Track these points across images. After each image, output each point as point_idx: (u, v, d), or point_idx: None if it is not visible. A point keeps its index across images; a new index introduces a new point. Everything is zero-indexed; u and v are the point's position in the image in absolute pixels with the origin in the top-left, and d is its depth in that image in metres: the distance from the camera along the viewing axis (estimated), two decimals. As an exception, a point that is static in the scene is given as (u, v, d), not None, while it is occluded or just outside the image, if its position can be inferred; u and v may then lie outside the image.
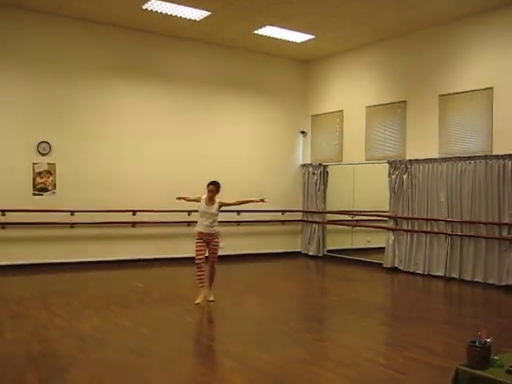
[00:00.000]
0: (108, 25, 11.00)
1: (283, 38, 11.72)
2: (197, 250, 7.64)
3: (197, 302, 7.48)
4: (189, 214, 11.46)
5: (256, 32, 11.33)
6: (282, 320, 6.96)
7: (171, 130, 11.86)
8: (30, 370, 4.75)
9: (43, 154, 10.49)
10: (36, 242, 10.39)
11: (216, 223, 7.76)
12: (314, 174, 13.25)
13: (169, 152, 11.76)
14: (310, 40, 11.77)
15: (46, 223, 10.38)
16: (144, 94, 11.59)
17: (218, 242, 7.83)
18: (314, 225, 13.19)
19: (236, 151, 12.68)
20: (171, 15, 10.36)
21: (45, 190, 10.48)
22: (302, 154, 13.80)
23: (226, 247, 12.23)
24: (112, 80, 11.21)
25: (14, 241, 10.16)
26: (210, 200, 7.77)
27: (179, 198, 8.09)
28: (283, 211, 13.20)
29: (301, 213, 13.60)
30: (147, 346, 5.51)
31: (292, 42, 11.93)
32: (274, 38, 11.67)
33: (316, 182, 13.15)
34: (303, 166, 13.68)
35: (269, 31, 11.27)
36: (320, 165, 13.12)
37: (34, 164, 10.40)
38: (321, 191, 13.10)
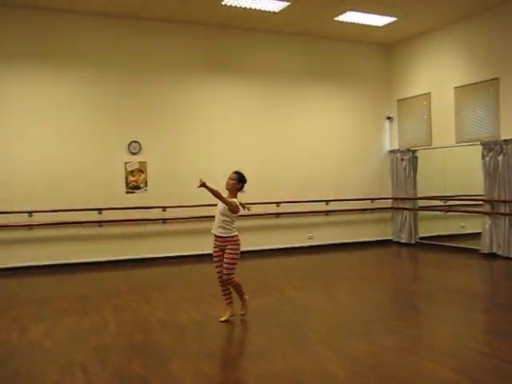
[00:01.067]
0: (188, 23, 11.17)
1: (365, 23, 11.46)
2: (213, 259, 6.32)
3: (221, 319, 6.16)
4: (277, 205, 11.55)
5: (336, 19, 11.15)
6: (377, 308, 6.84)
7: (257, 124, 11.92)
8: (134, 359, 4.92)
9: (134, 153, 10.84)
10: (131, 238, 10.77)
11: (227, 225, 6.12)
12: (402, 159, 12.92)
13: (256, 146, 11.84)
14: (392, 23, 11.45)
15: (139, 220, 10.73)
16: (228, 89, 11.70)
17: (234, 249, 6.08)
18: (405, 211, 12.86)
19: (322, 141, 12.57)
20: (250, 8, 10.39)
21: (137, 187, 10.83)
22: (389, 139, 13.48)
23: (314, 237, 12.28)
24: (198, 77, 11.40)
25: (111, 238, 10.58)
26: (229, 192, 6.35)
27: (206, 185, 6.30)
28: (372, 199, 12.97)
29: (390, 200, 13.31)
30: (244, 336, 5.58)
31: (374, 26, 11.64)
32: (355, 23, 11.44)
33: (405, 168, 12.82)
34: (391, 152, 13.36)
35: (350, 17, 11.05)
36: (408, 150, 12.77)
37: (125, 163, 10.77)
38: (410, 177, 12.75)
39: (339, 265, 10.60)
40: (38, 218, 9.98)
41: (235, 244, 6.08)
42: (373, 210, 13.06)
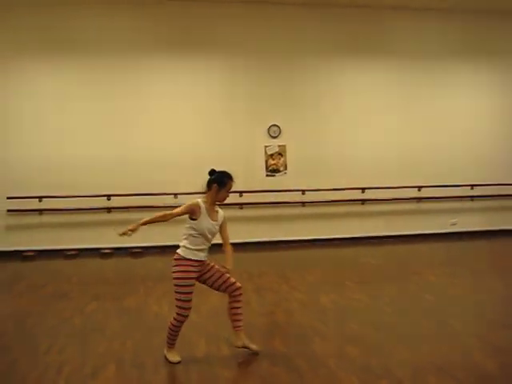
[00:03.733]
0: (332, 6, 11.09)
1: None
2: (186, 295, 4.41)
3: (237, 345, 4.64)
4: (419, 190, 11.23)
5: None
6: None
7: (398, 106, 11.56)
8: (276, 336, 5.02)
9: (274, 137, 10.99)
10: (270, 221, 10.95)
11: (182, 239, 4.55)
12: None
13: (398, 128, 11.52)
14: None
15: (279, 202, 10.87)
16: (370, 72, 11.48)
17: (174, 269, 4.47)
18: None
19: (470, 122, 11.87)
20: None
21: (276, 170, 10.97)
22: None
23: (458, 223, 11.73)
24: (339, 61, 11.34)
25: (250, 220, 10.82)
26: (214, 208, 4.57)
27: (133, 230, 4.40)
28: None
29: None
30: (386, 321, 5.46)
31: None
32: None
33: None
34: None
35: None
36: None
37: (265, 147, 10.95)
38: None
39: (486, 253, 10.05)
40: (182, 200, 10.42)
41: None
42: (523, 195, 12.18)
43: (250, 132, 10.90)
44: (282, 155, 10.98)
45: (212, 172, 4.55)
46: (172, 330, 4.47)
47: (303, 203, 10.98)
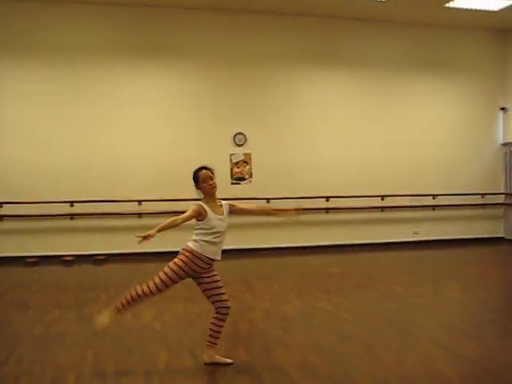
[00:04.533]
0: (294, 15, 11.19)
1: (478, 8, 10.91)
2: (168, 282, 4.36)
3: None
4: (382, 199, 11.37)
5: (447, 5, 10.71)
6: (491, 309, 6.50)
7: (360, 116, 11.73)
8: (239, 345, 5.00)
9: (239, 145, 11.00)
10: (235, 229, 10.88)
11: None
12: (517, 153, 12.22)
13: (360, 137, 11.68)
14: (509, 6, 10.79)
15: (243, 211, 10.85)
16: (331, 79, 11.67)
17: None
18: (519, 208, 12.18)
19: (429, 133, 12.14)
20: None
21: (242, 179, 10.98)
22: (503, 132, 12.76)
23: (420, 232, 11.91)
24: (301, 68, 11.42)
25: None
26: (216, 204, 4.52)
27: (148, 236, 4.18)
28: (483, 194, 12.35)
29: (503, 196, 12.62)
30: (350, 330, 5.49)
31: (488, 10, 11.04)
32: (468, 9, 10.92)
33: (520, 162, 12.12)
34: (504, 145, 12.65)
35: (462, 2, 10.57)
36: (524, 143, 12.07)
37: (231, 155, 10.95)
38: (526, 172, 12.06)
39: (447, 262, 10.21)
40: (146, 207, 10.35)
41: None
42: (483, 205, 12.44)
43: (215, 140, 10.88)
44: (247, 163, 10.99)
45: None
46: (132, 300, 4.35)
47: (268, 211, 11.00)
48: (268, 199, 10.91)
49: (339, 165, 11.45)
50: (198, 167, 4.55)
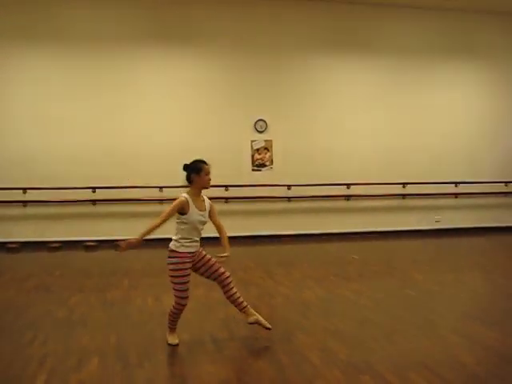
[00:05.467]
0: (315, 0, 11.11)
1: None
2: (182, 285, 4.55)
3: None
4: (403, 187, 11.32)
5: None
6: (509, 297, 6.45)
7: (385, 102, 11.64)
8: (259, 330, 5.02)
9: (260, 132, 11.00)
10: (256, 215, 10.97)
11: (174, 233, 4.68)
12: (542, 140, 12.02)
13: (383, 124, 11.61)
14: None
15: (264, 197, 10.90)
16: (355, 65, 11.57)
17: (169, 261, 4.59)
18: (544, 196, 12.00)
19: (453, 120, 12.01)
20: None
21: (263, 165, 10.99)
22: (531, 118, 12.55)
23: (442, 220, 11.82)
24: (325, 55, 11.35)
25: (236, 214, 10.82)
26: (200, 199, 4.67)
27: (129, 244, 4.44)
28: (506, 182, 12.20)
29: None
30: (369, 317, 5.50)
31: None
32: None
33: (545, 150, 11.93)
34: (528, 132, 12.48)
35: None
36: (550, 130, 11.87)
37: (252, 141, 10.96)
38: (551, 159, 11.86)
39: (469, 250, 10.14)
40: (167, 193, 10.40)
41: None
42: (506, 193, 12.29)
43: (237, 127, 10.91)
44: (268, 150, 10.99)
45: (185, 167, 4.64)
46: (171, 317, 4.66)
47: (289, 198, 11.01)
48: (289, 186, 10.92)
49: (361, 152, 11.40)
50: (199, 159, 4.73)
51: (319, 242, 10.75)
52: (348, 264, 8.49)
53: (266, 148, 10.99)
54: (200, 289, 6.70)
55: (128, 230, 10.24)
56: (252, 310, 4.80)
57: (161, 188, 10.39)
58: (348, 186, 11.24)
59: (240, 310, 4.79)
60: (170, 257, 4.57)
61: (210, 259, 4.72)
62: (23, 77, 10.19)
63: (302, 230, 11.11)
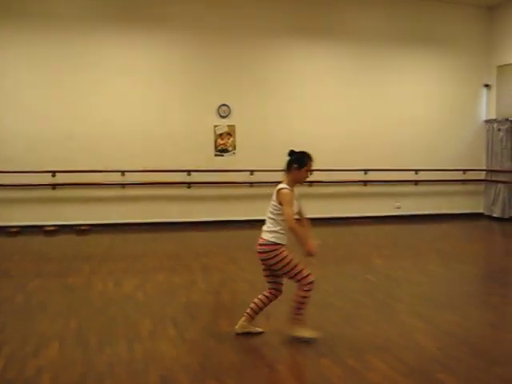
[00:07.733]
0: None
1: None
2: (300, 267, 4.44)
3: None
4: (365, 173, 11.44)
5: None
6: (469, 282, 6.64)
7: (346, 88, 11.68)
8: (221, 316, 5.05)
9: (223, 117, 10.95)
10: (218, 200, 10.95)
11: (270, 225, 4.63)
12: (499, 130, 12.27)
13: (345, 111, 11.65)
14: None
15: (226, 182, 10.88)
16: (317, 51, 11.55)
17: (275, 258, 4.41)
18: (499, 185, 12.28)
19: (412, 108, 12.13)
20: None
21: (225, 150, 10.96)
22: (486, 109, 12.83)
23: (402, 207, 12.02)
24: (287, 40, 11.25)
25: (199, 199, 10.80)
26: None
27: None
28: (464, 170, 12.46)
29: (484, 172, 12.74)
30: (330, 301, 5.57)
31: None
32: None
33: (501, 139, 12.18)
34: (487, 121, 12.72)
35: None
36: (507, 120, 12.11)
37: (215, 126, 10.90)
38: (507, 148, 12.11)
39: (428, 236, 10.35)
40: (129, 178, 10.31)
41: (271, 252, 4.49)
42: (464, 181, 12.56)
43: (200, 112, 10.80)
44: (231, 135, 10.96)
45: (291, 153, 4.57)
46: (302, 303, 4.40)
47: (251, 183, 11.01)
48: (252, 171, 10.92)
49: (324, 138, 11.40)
50: (307, 153, 4.62)
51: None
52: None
53: (228, 133, 10.94)
54: (161, 273, 6.69)
55: (89, 215, 10.22)
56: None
57: (122, 172, 10.26)
58: (310, 171, 11.26)
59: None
60: (277, 254, 4.36)
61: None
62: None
63: (265, 215, 11.08)
